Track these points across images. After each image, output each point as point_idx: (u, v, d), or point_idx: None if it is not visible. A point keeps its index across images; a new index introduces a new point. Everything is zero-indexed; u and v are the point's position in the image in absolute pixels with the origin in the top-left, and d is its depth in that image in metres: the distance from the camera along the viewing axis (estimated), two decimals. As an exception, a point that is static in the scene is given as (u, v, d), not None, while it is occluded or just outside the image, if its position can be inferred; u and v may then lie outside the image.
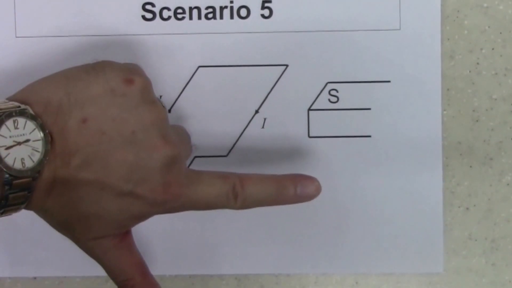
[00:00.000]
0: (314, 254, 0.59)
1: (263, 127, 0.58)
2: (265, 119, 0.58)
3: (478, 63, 0.58)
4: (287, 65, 0.57)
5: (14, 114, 0.43)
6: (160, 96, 0.57)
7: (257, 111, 0.58)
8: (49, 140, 0.44)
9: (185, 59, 0.57)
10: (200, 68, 0.57)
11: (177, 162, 0.47)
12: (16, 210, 0.44)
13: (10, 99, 0.45)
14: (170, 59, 0.57)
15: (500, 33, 0.58)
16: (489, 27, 0.58)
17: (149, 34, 0.57)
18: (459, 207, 0.59)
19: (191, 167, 0.57)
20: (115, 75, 0.46)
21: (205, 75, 0.57)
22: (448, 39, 0.58)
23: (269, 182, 0.49)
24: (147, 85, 0.47)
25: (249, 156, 0.58)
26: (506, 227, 0.59)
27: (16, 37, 0.57)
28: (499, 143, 0.58)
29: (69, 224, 0.47)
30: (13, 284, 0.59)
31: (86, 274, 0.58)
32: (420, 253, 0.59)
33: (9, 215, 0.44)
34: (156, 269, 0.58)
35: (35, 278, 0.59)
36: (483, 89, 0.58)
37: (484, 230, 0.59)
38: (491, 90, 0.58)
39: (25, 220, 0.56)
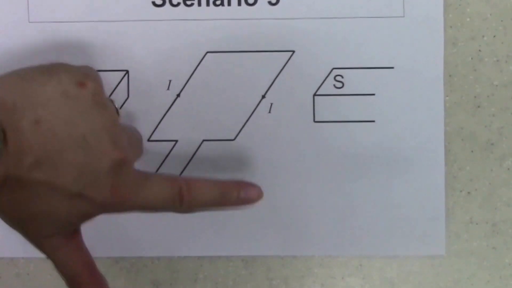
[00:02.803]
0: (319, 237, 0.59)
1: (269, 112, 0.59)
2: (271, 104, 0.58)
3: (480, 50, 0.59)
4: (293, 51, 0.58)
5: None
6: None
7: (263, 96, 0.58)
8: (2, 138, 0.44)
9: (194, 45, 0.58)
10: (208, 54, 0.58)
11: (125, 166, 0.47)
12: None
13: None
14: (179, 44, 0.58)
15: (502, 20, 0.59)
16: (491, 14, 0.59)
17: (159, 20, 0.58)
18: (460, 191, 0.60)
19: (199, 151, 0.58)
20: (68, 77, 0.46)
21: (213, 60, 0.58)
22: (451, 26, 0.59)
23: (214, 187, 0.50)
24: (99, 89, 0.47)
25: (255, 140, 0.59)
26: (507, 211, 0.60)
27: (29, 22, 0.58)
28: (500, 128, 0.59)
29: (20, 221, 0.47)
30: (26, 265, 0.60)
31: (97, 255, 0.58)
32: (422, 236, 0.59)
33: None
34: (164, 251, 0.59)
35: (47, 258, 0.60)
36: (484, 76, 0.59)
37: (485, 214, 0.60)
38: (492, 77, 0.59)
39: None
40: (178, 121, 0.58)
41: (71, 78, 0.46)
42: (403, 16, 0.58)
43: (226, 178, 0.51)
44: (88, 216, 0.48)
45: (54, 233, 0.48)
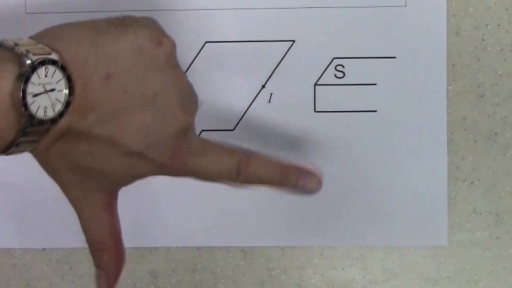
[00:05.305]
0: (320, 227, 0.59)
1: (269, 102, 0.58)
2: (271, 93, 0.58)
3: (483, 39, 0.58)
4: (293, 41, 0.58)
5: (46, 62, 0.42)
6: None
7: (263, 86, 0.58)
8: (72, 92, 0.43)
9: (193, 35, 0.58)
10: (207, 44, 0.58)
11: (190, 131, 0.47)
12: (21, 152, 0.44)
13: (35, 39, 0.44)
14: (177, 34, 0.57)
15: (506, 9, 0.58)
16: (494, 3, 0.58)
17: (157, 10, 0.57)
18: (463, 181, 0.59)
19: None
20: (145, 33, 0.45)
21: (212, 50, 0.58)
22: (454, 15, 0.58)
23: (274, 166, 0.49)
24: (173, 49, 0.46)
25: (255, 130, 0.58)
26: (510, 201, 0.60)
27: (26, 13, 0.57)
28: (503, 118, 0.59)
29: (64, 172, 0.46)
30: (22, 255, 0.60)
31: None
32: (424, 227, 0.59)
33: (11, 155, 0.43)
34: (164, 241, 0.60)
35: (44, 249, 0.60)
36: (488, 65, 0.58)
37: (488, 204, 0.60)
38: (496, 66, 0.58)
39: (35, 192, 0.57)
40: (177, 111, 0.58)
41: (147, 35, 0.45)
42: (405, 6, 0.57)
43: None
44: (141, 176, 0.47)
45: (98, 189, 0.47)
